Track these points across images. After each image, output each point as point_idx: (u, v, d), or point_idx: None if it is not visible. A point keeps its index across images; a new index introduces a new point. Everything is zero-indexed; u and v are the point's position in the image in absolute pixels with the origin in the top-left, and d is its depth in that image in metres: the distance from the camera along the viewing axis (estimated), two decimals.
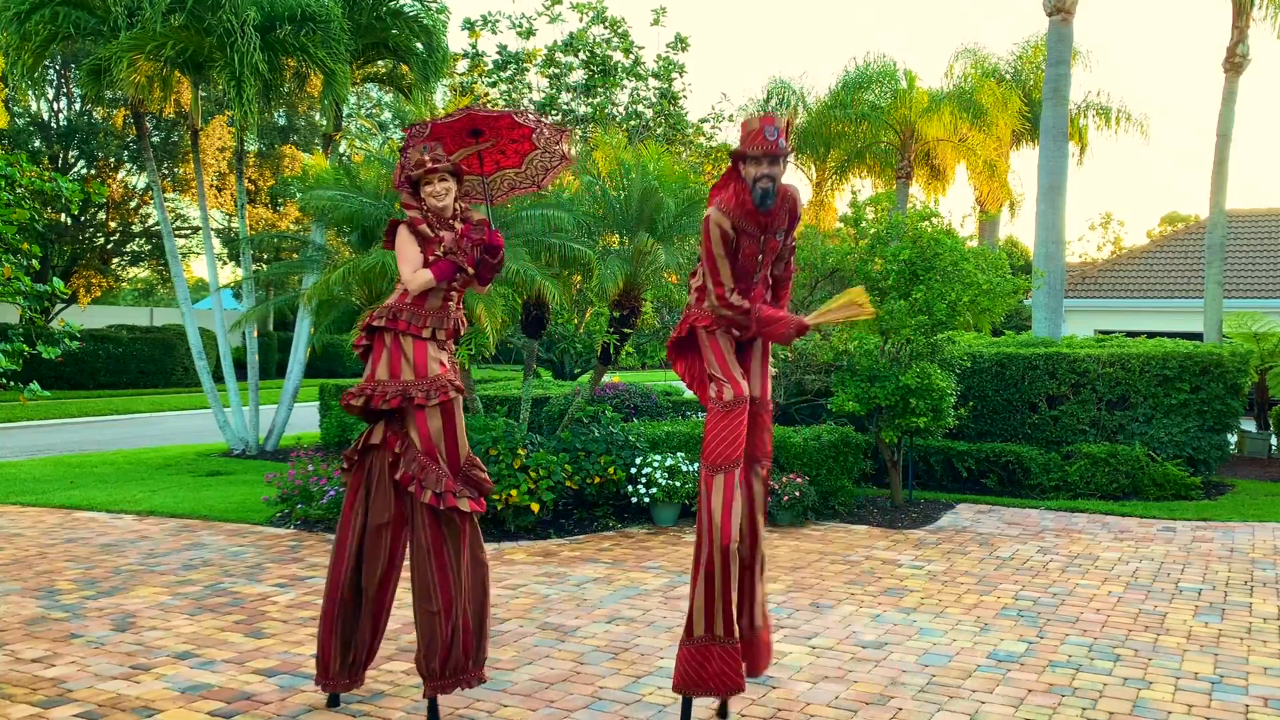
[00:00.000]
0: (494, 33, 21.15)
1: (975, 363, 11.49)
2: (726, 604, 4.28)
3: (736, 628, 4.33)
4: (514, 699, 4.62)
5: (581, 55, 21.23)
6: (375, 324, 4.47)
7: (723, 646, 4.27)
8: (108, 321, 31.22)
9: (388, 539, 4.53)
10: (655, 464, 8.69)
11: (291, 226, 32.82)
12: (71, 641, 5.41)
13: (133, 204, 32.14)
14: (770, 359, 4.63)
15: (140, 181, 32.41)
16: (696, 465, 8.80)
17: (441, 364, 4.49)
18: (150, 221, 32.60)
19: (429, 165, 4.50)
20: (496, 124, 4.71)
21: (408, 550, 4.52)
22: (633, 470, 8.73)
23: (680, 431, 9.40)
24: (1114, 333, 15.78)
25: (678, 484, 8.67)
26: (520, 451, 8.22)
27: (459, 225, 4.55)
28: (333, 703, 4.56)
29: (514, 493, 8.02)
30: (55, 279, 6.66)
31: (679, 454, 8.87)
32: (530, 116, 4.82)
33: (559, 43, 21.18)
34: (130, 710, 4.43)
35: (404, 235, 4.49)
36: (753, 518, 4.39)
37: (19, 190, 6.12)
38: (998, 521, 9.13)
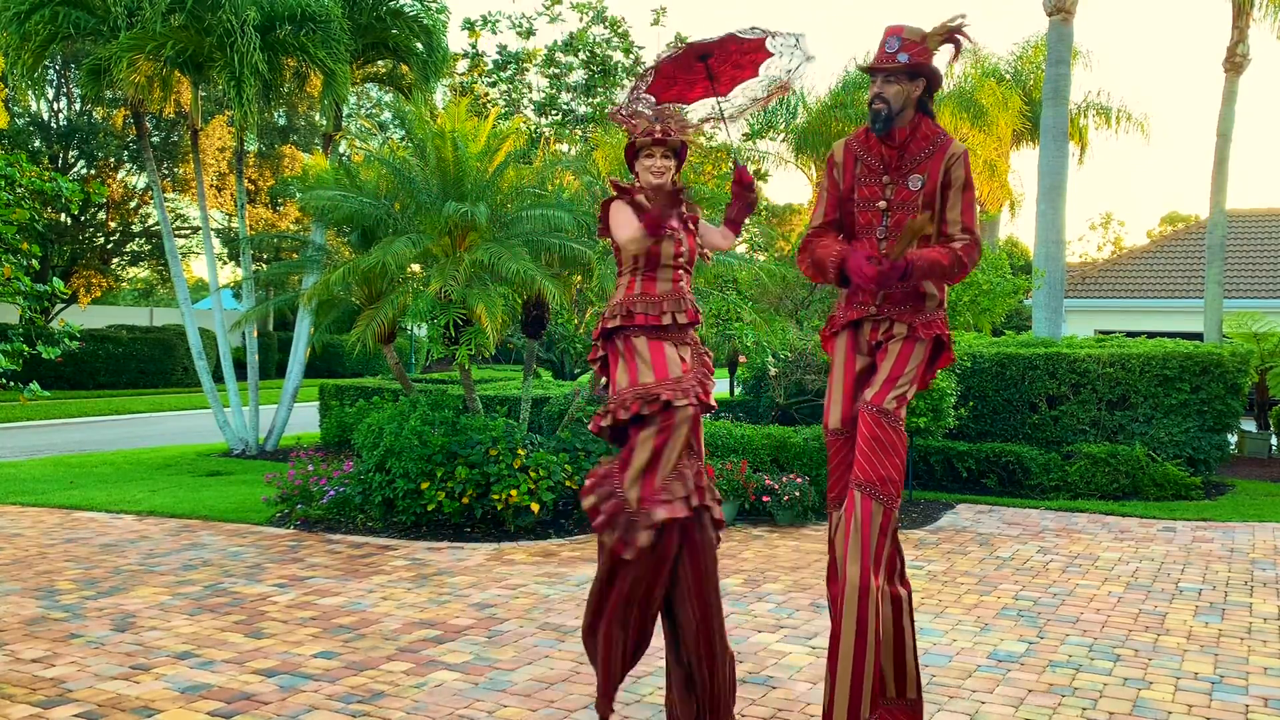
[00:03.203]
0: (494, 33, 21.17)
1: (975, 363, 11.48)
2: (858, 678, 3.60)
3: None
4: (514, 699, 4.61)
5: (581, 55, 21.25)
6: (610, 325, 3.98)
7: None
8: (108, 321, 31.22)
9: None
10: None
11: (291, 226, 32.84)
12: (71, 641, 5.41)
13: (133, 204, 32.18)
14: (915, 352, 3.86)
15: (140, 181, 32.44)
16: None
17: (683, 362, 3.97)
18: (150, 221, 32.63)
19: (657, 134, 3.97)
20: (724, 45, 4.29)
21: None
22: None
23: None
24: (1114, 333, 15.77)
25: None
26: (520, 451, 8.22)
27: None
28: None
29: (514, 493, 8.02)
30: (55, 279, 6.67)
31: None
32: (755, 28, 4.34)
33: (559, 43, 21.20)
34: (130, 710, 4.43)
35: (618, 205, 4.00)
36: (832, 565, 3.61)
37: (19, 190, 6.12)
38: (998, 521, 9.12)
